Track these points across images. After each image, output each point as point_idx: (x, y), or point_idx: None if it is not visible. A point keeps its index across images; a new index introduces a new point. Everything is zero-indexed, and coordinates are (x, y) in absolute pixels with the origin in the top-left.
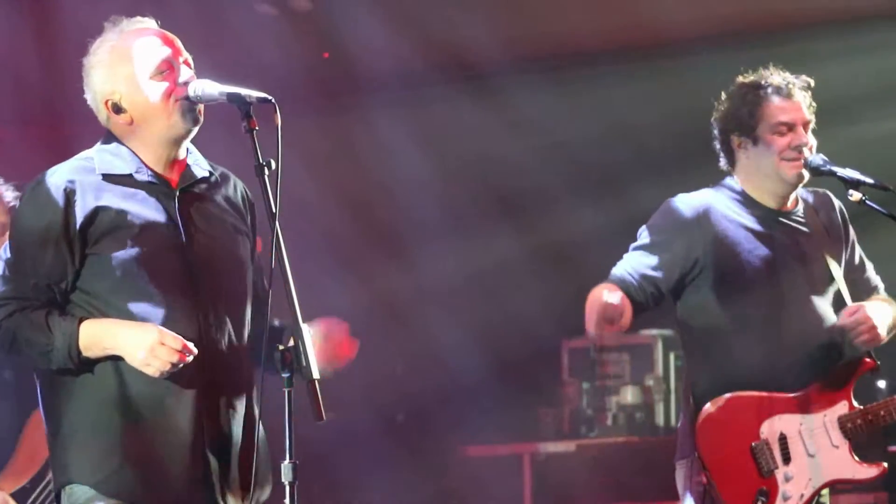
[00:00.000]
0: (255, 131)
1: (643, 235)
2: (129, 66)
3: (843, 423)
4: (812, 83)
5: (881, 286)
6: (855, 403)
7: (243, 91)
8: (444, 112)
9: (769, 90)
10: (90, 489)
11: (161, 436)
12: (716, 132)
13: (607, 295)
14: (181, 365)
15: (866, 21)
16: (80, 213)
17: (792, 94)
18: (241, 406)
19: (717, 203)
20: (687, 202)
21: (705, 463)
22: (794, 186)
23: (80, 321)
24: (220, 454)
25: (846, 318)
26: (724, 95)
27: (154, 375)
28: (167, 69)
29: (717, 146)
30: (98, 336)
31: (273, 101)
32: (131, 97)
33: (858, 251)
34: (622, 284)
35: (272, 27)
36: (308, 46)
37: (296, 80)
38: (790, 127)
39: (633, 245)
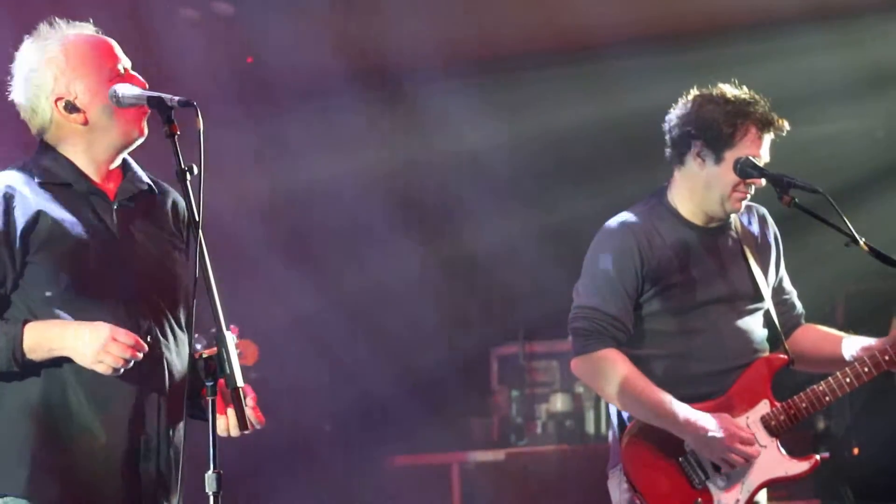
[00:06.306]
0: (176, 136)
1: (594, 280)
2: (89, 68)
3: (766, 421)
4: (786, 129)
5: (802, 311)
6: (775, 401)
7: (165, 95)
8: (362, 118)
9: (756, 120)
10: (27, 501)
11: (99, 446)
12: (677, 128)
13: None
14: (132, 363)
15: (790, 24)
16: (20, 219)
17: (769, 132)
18: (175, 420)
19: (649, 225)
20: (621, 232)
21: (636, 485)
22: (729, 216)
23: (25, 323)
24: (155, 466)
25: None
26: (696, 92)
27: (105, 373)
28: (124, 74)
29: (671, 141)
30: (44, 337)
31: (195, 104)
32: (90, 99)
33: (783, 271)
34: (615, 343)
35: (195, 31)
36: (232, 51)
37: (220, 85)
38: None
39: (588, 288)
